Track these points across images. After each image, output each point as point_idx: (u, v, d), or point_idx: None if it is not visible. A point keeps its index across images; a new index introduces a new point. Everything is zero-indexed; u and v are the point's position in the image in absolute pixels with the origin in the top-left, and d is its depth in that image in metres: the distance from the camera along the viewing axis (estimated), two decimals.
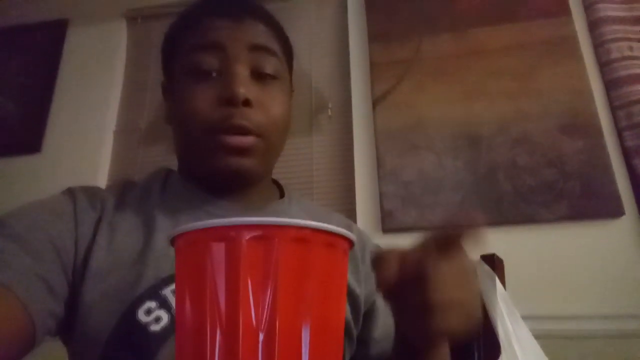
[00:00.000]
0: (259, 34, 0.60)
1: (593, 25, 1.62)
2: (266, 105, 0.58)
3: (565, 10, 1.66)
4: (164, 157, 1.79)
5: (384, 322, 0.64)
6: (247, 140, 0.56)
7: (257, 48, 0.59)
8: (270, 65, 0.59)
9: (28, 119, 1.94)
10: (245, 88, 0.55)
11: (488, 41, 1.67)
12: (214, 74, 0.57)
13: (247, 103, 0.55)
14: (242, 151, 0.56)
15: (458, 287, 0.37)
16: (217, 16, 0.59)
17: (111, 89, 1.97)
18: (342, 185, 1.67)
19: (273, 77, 0.60)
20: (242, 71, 0.57)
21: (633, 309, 1.29)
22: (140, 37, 2.07)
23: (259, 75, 0.59)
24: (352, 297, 0.61)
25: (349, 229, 0.67)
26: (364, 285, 0.64)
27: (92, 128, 1.90)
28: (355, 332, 0.62)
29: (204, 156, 0.57)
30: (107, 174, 1.85)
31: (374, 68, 1.72)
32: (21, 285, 0.45)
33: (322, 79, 1.83)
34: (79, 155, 1.84)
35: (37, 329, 0.45)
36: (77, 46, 2.06)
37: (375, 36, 1.77)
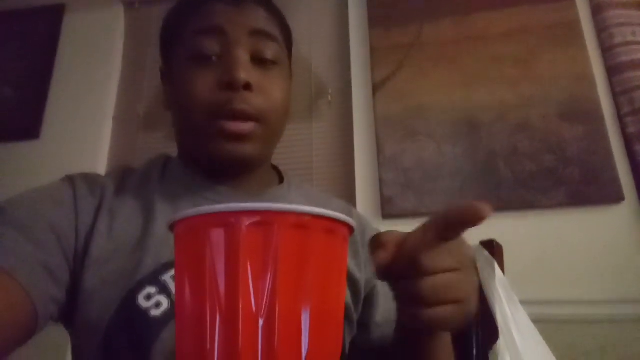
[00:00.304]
0: (260, 18, 0.60)
1: (596, 10, 1.60)
2: (266, 90, 0.58)
3: None
4: (163, 143, 1.79)
5: (385, 307, 0.65)
6: (247, 126, 0.55)
7: (257, 33, 0.59)
8: (270, 50, 0.59)
9: (26, 105, 1.93)
10: (245, 72, 0.55)
11: (489, 26, 1.65)
12: (215, 59, 0.57)
13: (247, 87, 0.55)
14: (241, 137, 0.56)
15: (454, 279, 0.35)
16: (218, 0, 0.59)
17: (109, 75, 1.95)
18: (342, 171, 1.67)
19: (273, 63, 0.60)
20: (242, 55, 0.57)
21: (632, 294, 1.30)
22: (138, 23, 2.05)
23: (259, 61, 0.58)
24: (352, 281, 0.62)
25: (349, 214, 0.67)
26: (364, 269, 0.64)
27: (91, 114, 1.89)
28: (355, 317, 0.63)
29: (204, 142, 0.57)
30: (106, 161, 1.85)
31: (374, 53, 1.71)
32: (23, 271, 0.45)
33: (322, 65, 1.81)
34: (77, 141, 1.83)
35: (39, 315, 0.45)
36: (74, 32, 2.04)
37: (376, 21, 1.75)
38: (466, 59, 1.63)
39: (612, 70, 1.53)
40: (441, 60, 1.65)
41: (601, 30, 1.58)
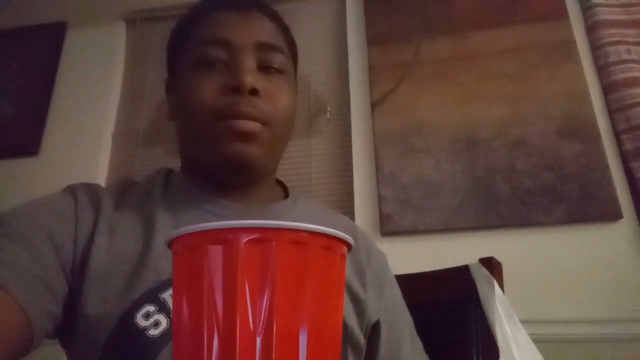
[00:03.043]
0: (266, 30, 0.61)
1: (591, 29, 1.63)
2: (273, 96, 0.58)
3: (563, 14, 1.66)
4: (162, 159, 1.79)
5: (389, 342, 0.63)
6: (253, 125, 0.55)
7: (264, 45, 0.59)
8: (277, 60, 0.60)
9: (26, 121, 1.94)
10: (252, 77, 0.56)
11: (486, 44, 1.68)
12: (220, 65, 0.57)
13: (254, 92, 0.55)
14: (248, 137, 0.55)
15: None
16: (224, 10, 0.60)
17: (110, 92, 1.97)
18: (341, 188, 1.67)
19: (279, 71, 0.60)
20: (249, 62, 0.57)
21: (632, 313, 1.29)
22: (139, 40, 2.07)
23: (265, 69, 0.59)
24: (356, 301, 0.60)
25: (354, 232, 0.67)
26: (370, 290, 0.63)
27: (91, 131, 1.90)
28: (361, 339, 0.60)
29: (211, 143, 0.56)
30: (106, 177, 1.85)
31: (373, 71, 1.72)
32: (18, 285, 0.44)
33: (321, 82, 1.83)
34: (77, 157, 1.84)
35: (34, 330, 0.44)
36: (76, 48, 2.06)
37: (374, 39, 1.77)
38: (463, 77, 1.65)
39: (608, 88, 1.54)
40: (439, 78, 1.67)
41: (596, 48, 1.60)
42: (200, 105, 0.56)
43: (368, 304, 0.61)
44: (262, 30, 0.60)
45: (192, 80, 0.58)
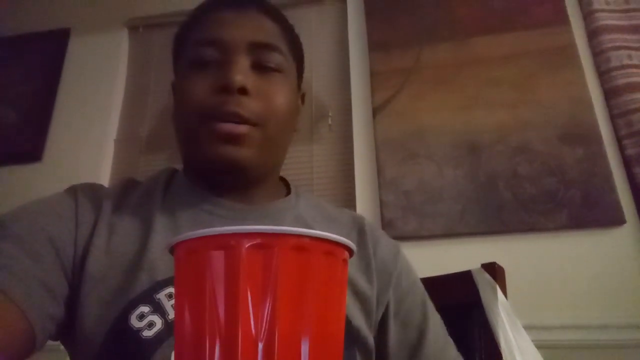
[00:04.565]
0: (263, 29, 0.59)
1: (592, 34, 1.63)
2: (266, 95, 0.56)
3: (564, 20, 1.67)
4: (165, 166, 1.78)
5: (398, 332, 0.61)
6: (240, 128, 0.54)
7: (259, 45, 0.58)
8: (273, 59, 0.58)
9: (29, 128, 1.95)
10: (242, 76, 0.55)
11: (487, 50, 1.68)
12: (214, 65, 0.57)
13: (243, 91, 0.54)
14: (235, 139, 0.54)
15: None
16: (222, 10, 0.59)
17: (112, 98, 1.98)
18: (343, 194, 1.67)
19: (276, 70, 0.59)
20: (242, 61, 0.56)
21: (635, 319, 1.28)
22: (141, 46, 2.09)
23: (261, 67, 0.58)
24: (363, 298, 0.58)
25: (362, 223, 0.66)
26: (377, 282, 0.61)
27: (93, 137, 1.91)
28: (369, 337, 0.58)
29: (199, 145, 0.56)
30: (108, 183, 1.85)
31: (374, 77, 1.73)
32: (19, 288, 0.44)
33: (323, 88, 1.84)
34: (79, 164, 1.84)
35: (36, 334, 0.44)
36: (79, 55, 2.08)
37: (375, 45, 1.78)
38: (465, 82, 1.65)
39: (609, 93, 1.55)
40: (440, 84, 1.67)
41: (597, 54, 1.60)
42: (191, 105, 0.55)
43: (374, 301, 0.60)
44: (258, 29, 0.59)
45: (186, 80, 0.57)
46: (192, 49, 0.58)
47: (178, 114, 0.60)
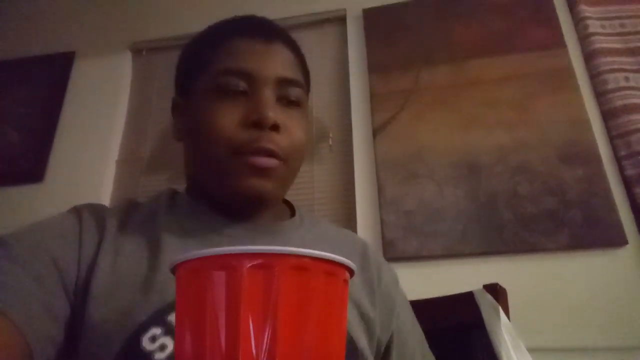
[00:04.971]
0: (288, 64, 0.61)
1: (589, 57, 1.65)
2: (291, 131, 0.58)
3: (561, 43, 1.69)
4: (166, 186, 1.79)
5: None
6: (273, 162, 0.56)
7: (285, 80, 0.59)
8: (294, 93, 0.60)
9: (31, 149, 1.96)
10: (273, 112, 0.56)
11: (485, 72, 1.70)
12: (241, 95, 0.57)
13: (275, 128, 0.56)
14: (265, 172, 0.56)
15: None
16: (247, 38, 0.60)
17: (115, 120, 2.00)
18: (344, 214, 1.67)
19: (296, 104, 0.60)
20: (270, 96, 0.58)
21: (637, 341, 1.27)
22: (144, 69, 2.12)
23: (284, 101, 0.59)
24: (367, 320, 0.59)
25: (365, 247, 0.67)
26: (380, 309, 0.62)
27: (95, 158, 1.92)
28: (370, 358, 0.58)
29: (226, 176, 0.56)
30: (109, 204, 1.85)
31: (374, 98, 1.75)
32: (19, 310, 0.44)
33: (323, 109, 1.85)
34: (81, 184, 1.85)
35: (34, 356, 0.44)
36: (82, 77, 2.11)
37: (375, 67, 1.80)
38: (463, 103, 1.67)
39: (607, 115, 1.56)
40: (439, 105, 1.69)
41: (594, 76, 1.62)
42: (219, 137, 0.55)
43: (377, 323, 0.60)
44: (284, 63, 0.60)
45: (210, 109, 0.57)
46: (218, 77, 0.58)
47: (198, 141, 0.59)
